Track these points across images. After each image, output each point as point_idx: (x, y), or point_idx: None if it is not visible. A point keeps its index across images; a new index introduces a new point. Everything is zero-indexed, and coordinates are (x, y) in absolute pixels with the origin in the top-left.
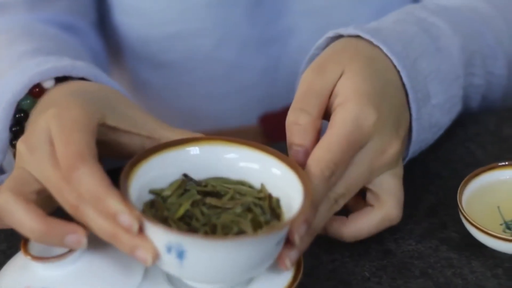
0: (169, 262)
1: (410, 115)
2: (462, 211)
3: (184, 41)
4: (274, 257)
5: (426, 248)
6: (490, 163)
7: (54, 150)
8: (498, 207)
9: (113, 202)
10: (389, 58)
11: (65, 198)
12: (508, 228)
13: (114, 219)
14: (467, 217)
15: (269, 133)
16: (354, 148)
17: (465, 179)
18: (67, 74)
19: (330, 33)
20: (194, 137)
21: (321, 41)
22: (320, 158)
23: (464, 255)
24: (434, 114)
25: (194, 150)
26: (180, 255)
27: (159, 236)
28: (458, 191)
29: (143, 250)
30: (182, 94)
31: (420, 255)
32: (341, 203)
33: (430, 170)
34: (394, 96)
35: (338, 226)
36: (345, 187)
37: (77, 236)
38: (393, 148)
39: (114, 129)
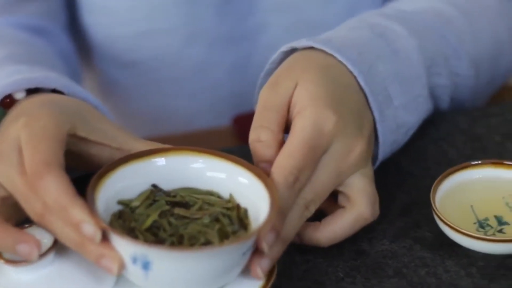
0: (135, 273)
1: (374, 118)
2: (436, 210)
3: (152, 39)
4: (242, 266)
5: (399, 248)
6: (463, 162)
7: (22, 159)
8: (471, 206)
9: (76, 211)
10: (344, 65)
11: (31, 206)
12: (482, 227)
13: (78, 228)
14: (441, 216)
15: (242, 135)
16: (316, 152)
17: (438, 178)
18: (39, 85)
19: (284, 48)
20: (162, 147)
21: (275, 56)
22: (282, 165)
23: (438, 254)
24: (399, 115)
25: (161, 160)
26: (145, 266)
27: (124, 247)
28: (431, 190)
29: (109, 259)
30: (151, 93)
31: (393, 255)
32: (312, 208)
33: (403, 169)
34: (353, 99)
35: (312, 232)
36: (314, 192)
37: (29, 247)
38: (359, 148)
39: (85, 140)
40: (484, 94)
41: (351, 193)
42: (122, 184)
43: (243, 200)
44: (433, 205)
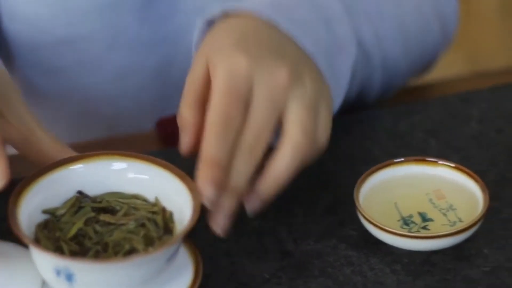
0: (59, 285)
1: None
2: (360, 208)
3: (74, 46)
4: (169, 270)
5: (324, 247)
6: (387, 160)
7: None
8: (395, 203)
9: None
10: (257, 19)
11: None
12: (406, 224)
13: None
14: (365, 215)
15: (165, 138)
16: (237, 96)
17: (362, 176)
18: None
19: (200, 24)
20: (85, 154)
21: (195, 38)
22: (209, 121)
23: (363, 252)
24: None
25: (85, 167)
26: (69, 278)
27: (47, 260)
28: (355, 189)
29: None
30: (74, 99)
31: (319, 254)
32: (258, 150)
33: (327, 168)
34: (261, 32)
35: (258, 184)
36: (253, 134)
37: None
38: (283, 73)
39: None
40: (415, 68)
41: (284, 123)
42: (45, 195)
43: (168, 203)
44: (357, 203)
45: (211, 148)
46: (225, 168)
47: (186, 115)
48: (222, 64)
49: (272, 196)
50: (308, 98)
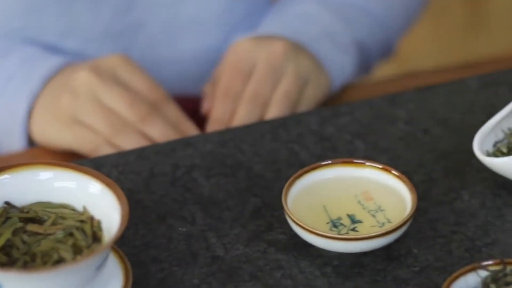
0: None
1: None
2: (288, 212)
3: (28, 36)
4: (98, 278)
5: (254, 252)
6: (314, 162)
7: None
8: (324, 206)
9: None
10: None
11: (139, 107)
12: (335, 226)
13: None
14: (293, 218)
15: None
16: (239, 68)
17: (290, 180)
18: None
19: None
20: (11, 165)
21: None
22: (217, 86)
23: (292, 255)
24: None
25: (11, 177)
26: None
27: None
28: (283, 192)
29: None
30: None
31: (248, 259)
32: (258, 101)
33: (254, 172)
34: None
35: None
36: (251, 89)
37: None
38: (280, 44)
39: None
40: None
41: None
42: None
43: (96, 212)
44: (285, 207)
45: (215, 111)
46: (228, 122)
47: (205, 89)
48: (230, 48)
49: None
50: (301, 70)
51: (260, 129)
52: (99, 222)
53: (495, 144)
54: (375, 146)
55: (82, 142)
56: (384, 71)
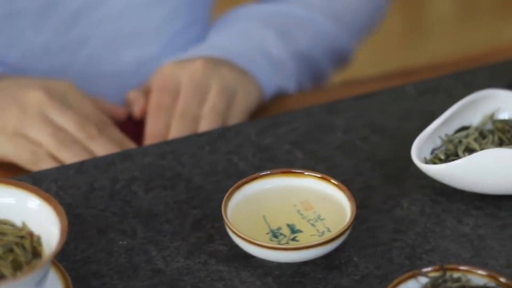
0: None
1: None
2: (228, 223)
3: None
4: None
5: (195, 264)
6: (253, 173)
7: None
8: (264, 216)
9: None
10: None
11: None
12: (275, 236)
13: None
14: (233, 229)
15: None
16: (166, 88)
17: (229, 191)
18: None
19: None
20: None
21: None
22: (149, 104)
23: (233, 266)
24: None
25: None
26: None
27: None
28: (223, 204)
29: None
30: None
31: (189, 271)
32: (187, 116)
33: (193, 184)
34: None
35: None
36: (181, 106)
37: None
38: (199, 63)
39: None
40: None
41: None
42: None
43: (35, 227)
44: (225, 218)
45: (149, 127)
46: (163, 137)
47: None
48: (154, 73)
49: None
50: (225, 83)
51: (199, 140)
52: (38, 238)
53: (433, 151)
54: (314, 155)
55: (21, 153)
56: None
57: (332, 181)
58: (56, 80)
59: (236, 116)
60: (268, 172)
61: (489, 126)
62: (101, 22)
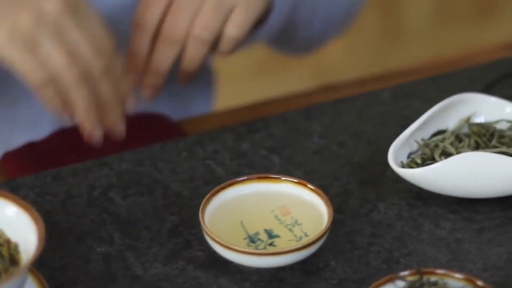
0: None
1: None
2: (205, 229)
3: None
4: None
5: (173, 270)
6: (230, 179)
7: None
8: (241, 221)
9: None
10: None
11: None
12: (253, 241)
13: None
14: (211, 235)
15: (10, 170)
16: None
17: (206, 197)
18: None
19: None
20: None
21: None
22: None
23: (211, 272)
24: None
25: None
26: None
27: None
28: (200, 209)
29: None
30: None
31: (167, 277)
32: (175, 38)
33: (171, 190)
34: None
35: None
36: (169, 22)
37: None
38: None
39: None
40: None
41: None
42: None
43: (13, 234)
44: (202, 224)
45: (132, 44)
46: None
47: None
48: None
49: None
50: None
51: (176, 147)
52: (16, 245)
53: (409, 155)
54: (290, 160)
55: (27, 65)
56: (300, 84)
57: (309, 186)
58: None
59: (236, 29)
60: (245, 177)
61: (466, 130)
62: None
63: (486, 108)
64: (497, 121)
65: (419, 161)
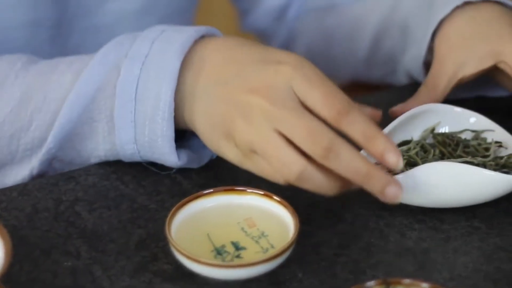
0: None
1: None
2: (172, 242)
3: None
4: None
5: (140, 283)
6: (196, 191)
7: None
8: (208, 234)
9: (384, 140)
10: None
11: (320, 140)
12: (219, 254)
13: (382, 156)
14: (177, 248)
15: None
16: None
17: (172, 210)
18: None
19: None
20: None
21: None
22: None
23: (178, 285)
24: None
25: None
26: None
27: None
28: (167, 222)
29: (394, 186)
30: None
31: None
32: None
33: (137, 204)
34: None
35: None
36: None
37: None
38: None
39: None
40: None
41: None
42: None
43: None
44: (169, 237)
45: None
46: None
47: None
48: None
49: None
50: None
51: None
52: None
53: None
54: None
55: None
56: None
57: (275, 197)
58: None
59: None
60: (211, 190)
61: (430, 140)
62: (94, 31)
63: (450, 118)
64: (462, 131)
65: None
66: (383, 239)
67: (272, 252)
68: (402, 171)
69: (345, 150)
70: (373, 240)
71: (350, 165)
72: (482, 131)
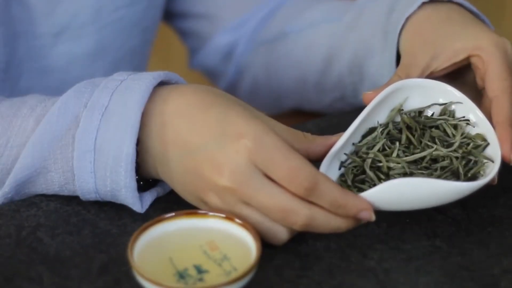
0: None
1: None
2: (134, 266)
3: None
4: None
5: None
6: (158, 215)
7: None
8: (170, 258)
9: (355, 203)
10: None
11: (296, 218)
12: (182, 277)
13: (356, 217)
14: (140, 272)
15: None
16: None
17: (134, 234)
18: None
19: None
20: None
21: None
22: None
23: None
24: None
25: None
26: None
27: None
28: (129, 247)
29: (366, 211)
30: None
31: None
32: None
33: (99, 229)
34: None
35: None
36: None
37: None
38: None
39: None
40: None
41: None
42: None
43: None
44: (131, 261)
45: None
46: None
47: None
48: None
49: None
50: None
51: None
52: None
53: (341, 166)
54: None
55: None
56: None
57: (237, 220)
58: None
59: None
60: (173, 214)
61: (398, 119)
62: (46, 73)
63: (419, 92)
64: (430, 105)
65: (350, 178)
66: (345, 260)
67: (234, 275)
68: (368, 175)
69: (322, 218)
70: (335, 261)
71: (328, 226)
72: (450, 103)
